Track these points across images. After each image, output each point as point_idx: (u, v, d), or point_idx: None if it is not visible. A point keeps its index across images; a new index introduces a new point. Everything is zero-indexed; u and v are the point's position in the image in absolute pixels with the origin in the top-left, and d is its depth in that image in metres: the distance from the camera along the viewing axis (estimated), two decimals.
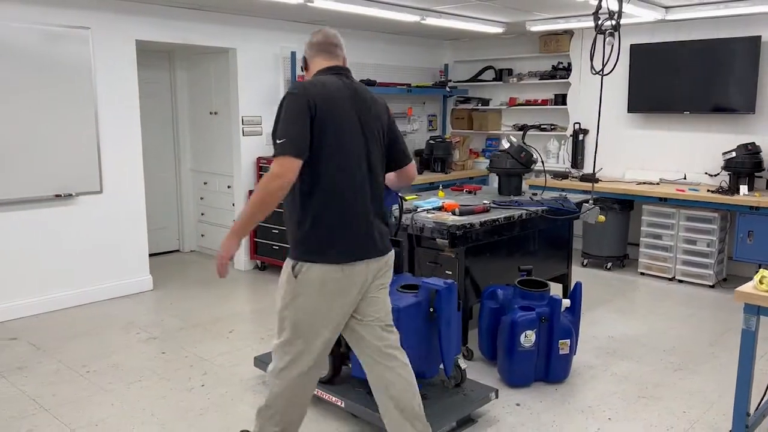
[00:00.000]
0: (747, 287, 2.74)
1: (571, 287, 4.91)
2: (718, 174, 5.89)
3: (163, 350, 4.24)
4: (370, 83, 6.78)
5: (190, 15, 5.61)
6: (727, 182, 5.69)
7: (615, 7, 3.92)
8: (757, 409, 2.93)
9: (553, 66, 7.26)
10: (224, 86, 6.29)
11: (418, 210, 4.10)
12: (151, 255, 5.75)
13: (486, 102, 7.91)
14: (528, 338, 3.56)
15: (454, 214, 4.00)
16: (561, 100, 7.18)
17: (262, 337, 4.45)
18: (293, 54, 6.23)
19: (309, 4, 4.87)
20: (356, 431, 3.17)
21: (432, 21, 5.85)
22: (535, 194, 4.80)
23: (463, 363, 3.33)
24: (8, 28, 4.56)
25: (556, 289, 4.46)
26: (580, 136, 6.92)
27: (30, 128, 4.72)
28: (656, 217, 5.96)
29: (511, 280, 4.03)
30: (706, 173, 6.08)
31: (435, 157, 7.33)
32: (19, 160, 4.69)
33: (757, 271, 2.75)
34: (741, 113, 5.82)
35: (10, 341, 4.38)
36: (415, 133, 7.87)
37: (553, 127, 7.31)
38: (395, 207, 3.13)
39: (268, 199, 2.28)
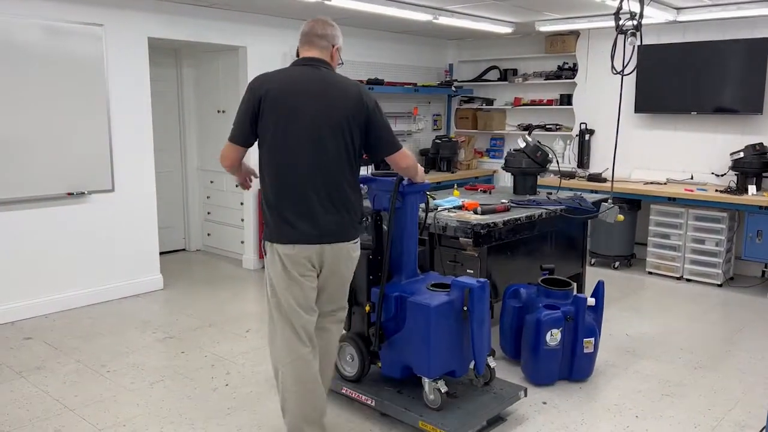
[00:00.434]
0: None
1: (584, 286, 4.96)
2: (725, 174, 5.95)
3: (182, 350, 4.20)
4: (377, 82, 6.79)
5: (202, 12, 5.57)
6: (735, 182, 5.76)
7: (636, 8, 3.96)
8: None
9: (558, 66, 7.29)
10: (232, 84, 6.24)
11: (439, 209, 4.10)
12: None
13: (490, 102, 7.93)
14: (554, 337, 3.57)
15: (475, 213, 4.01)
16: (566, 100, 7.21)
17: None
18: None
19: (327, 2, 4.84)
20: (388, 430, 3.17)
21: (444, 20, 5.85)
22: (550, 193, 4.82)
23: (492, 362, 3.33)
24: (21, 25, 4.50)
25: None
26: (586, 137, 6.96)
27: (42, 126, 4.66)
28: (665, 217, 6.01)
29: (529, 279, 4.04)
30: (712, 173, 6.14)
31: (441, 157, 7.35)
32: (31, 158, 4.63)
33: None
34: (748, 114, 5.88)
35: (25, 341, 4.32)
36: (421, 133, 7.88)
37: (558, 127, 7.35)
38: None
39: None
